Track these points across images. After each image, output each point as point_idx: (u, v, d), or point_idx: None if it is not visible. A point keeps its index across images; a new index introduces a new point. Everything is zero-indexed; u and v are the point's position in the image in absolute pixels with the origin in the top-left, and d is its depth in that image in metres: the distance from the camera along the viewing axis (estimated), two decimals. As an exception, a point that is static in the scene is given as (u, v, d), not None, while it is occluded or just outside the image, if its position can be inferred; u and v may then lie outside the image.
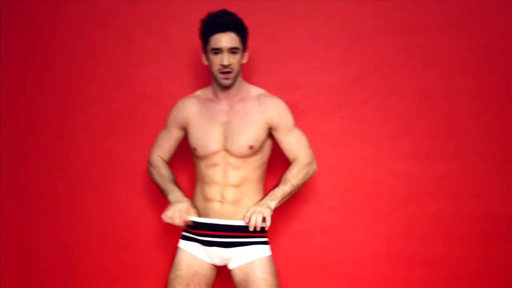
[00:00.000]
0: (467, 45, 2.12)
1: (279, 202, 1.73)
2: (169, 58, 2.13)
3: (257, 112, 1.78)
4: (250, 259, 1.74)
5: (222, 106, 1.79)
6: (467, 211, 2.14)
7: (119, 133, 2.16)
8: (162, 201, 2.10)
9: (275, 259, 2.10)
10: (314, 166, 1.85)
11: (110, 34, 2.14)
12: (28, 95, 2.17)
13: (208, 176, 1.77)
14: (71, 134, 2.17)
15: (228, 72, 1.71)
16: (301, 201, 2.15)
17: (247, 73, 2.12)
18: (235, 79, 1.75)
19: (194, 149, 1.78)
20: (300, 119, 2.13)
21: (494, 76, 2.13)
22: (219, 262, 1.79)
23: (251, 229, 1.64)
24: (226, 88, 1.76)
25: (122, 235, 2.18)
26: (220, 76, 1.72)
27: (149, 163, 1.90)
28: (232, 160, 1.76)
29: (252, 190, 1.80)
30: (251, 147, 1.75)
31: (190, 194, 1.84)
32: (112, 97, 2.16)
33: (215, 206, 1.76)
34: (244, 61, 1.79)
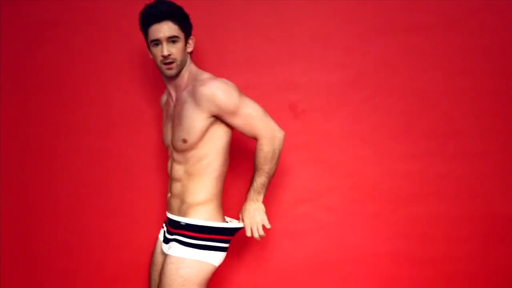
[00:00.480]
0: (467, 45, 2.12)
1: (263, 194, 1.72)
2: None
3: (191, 102, 1.62)
4: (170, 253, 1.66)
5: (171, 98, 1.74)
6: (467, 211, 2.14)
7: (119, 133, 2.16)
8: (161, 201, 2.12)
9: (275, 260, 2.10)
10: (278, 135, 1.66)
11: (111, 34, 2.14)
12: (28, 96, 2.18)
13: (168, 168, 1.78)
14: (72, 134, 2.17)
15: (171, 63, 1.64)
16: (300, 201, 2.16)
17: (246, 74, 2.12)
18: (179, 68, 1.66)
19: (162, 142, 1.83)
20: (300, 119, 2.14)
21: (494, 76, 2.13)
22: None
23: (258, 239, 1.70)
24: (171, 79, 1.69)
25: (122, 235, 2.18)
26: (163, 67, 1.65)
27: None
28: (175, 154, 1.70)
29: (194, 185, 1.66)
30: (184, 141, 1.63)
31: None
32: (112, 97, 2.16)
33: (168, 198, 1.77)
34: (189, 49, 1.70)
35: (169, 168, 1.76)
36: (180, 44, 1.64)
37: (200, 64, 2.11)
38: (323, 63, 2.13)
